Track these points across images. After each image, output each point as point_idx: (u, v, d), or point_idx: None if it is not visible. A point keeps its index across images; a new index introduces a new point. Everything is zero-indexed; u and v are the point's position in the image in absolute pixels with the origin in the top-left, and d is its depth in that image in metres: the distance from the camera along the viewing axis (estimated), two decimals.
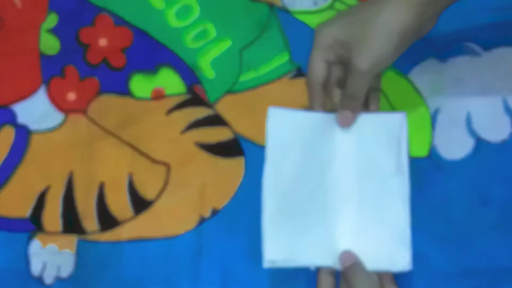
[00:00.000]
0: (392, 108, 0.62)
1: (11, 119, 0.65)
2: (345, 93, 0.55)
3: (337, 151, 0.55)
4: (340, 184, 0.54)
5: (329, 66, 0.55)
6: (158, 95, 0.65)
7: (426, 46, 0.63)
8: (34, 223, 0.62)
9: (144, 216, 0.61)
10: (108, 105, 0.65)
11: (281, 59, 0.65)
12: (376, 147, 0.55)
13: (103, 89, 0.65)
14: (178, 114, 0.64)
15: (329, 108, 0.56)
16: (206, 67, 0.65)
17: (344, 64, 0.56)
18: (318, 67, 0.55)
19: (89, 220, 0.62)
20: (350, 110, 0.55)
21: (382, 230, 0.54)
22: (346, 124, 0.55)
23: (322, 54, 0.54)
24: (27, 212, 0.62)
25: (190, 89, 0.65)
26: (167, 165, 0.63)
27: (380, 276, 0.53)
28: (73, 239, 0.61)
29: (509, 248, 0.58)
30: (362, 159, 0.55)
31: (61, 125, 0.64)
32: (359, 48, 0.52)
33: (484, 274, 0.56)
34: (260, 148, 0.62)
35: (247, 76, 0.65)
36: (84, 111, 0.65)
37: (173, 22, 0.66)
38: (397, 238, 0.55)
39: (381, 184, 0.55)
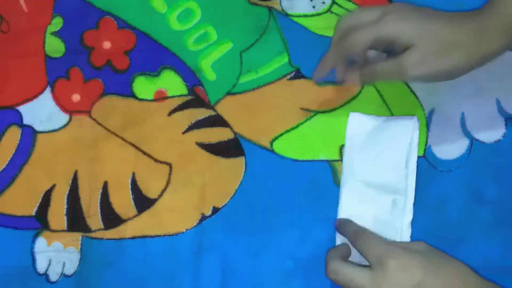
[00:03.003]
0: (388, 108, 0.63)
1: (17, 120, 0.65)
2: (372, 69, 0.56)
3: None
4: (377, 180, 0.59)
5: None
6: (160, 97, 0.65)
7: None
8: (39, 221, 0.63)
9: (147, 214, 0.62)
10: (111, 106, 0.65)
11: (281, 61, 0.65)
12: (396, 147, 0.59)
13: (107, 91, 0.65)
14: (179, 115, 0.64)
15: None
16: (207, 69, 0.65)
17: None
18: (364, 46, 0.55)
19: (93, 218, 0.62)
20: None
21: (387, 226, 0.58)
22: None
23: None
24: (32, 211, 0.63)
25: (191, 90, 0.65)
26: (169, 165, 0.63)
27: None
28: (77, 236, 0.62)
29: (504, 246, 0.59)
30: (384, 158, 0.59)
31: (65, 125, 0.65)
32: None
33: (479, 272, 0.54)
34: (260, 148, 0.63)
35: (247, 78, 0.65)
36: (88, 112, 0.65)
37: (175, 25, 0.67)
38: (398, 235, 0.58)
39: (396, 181, 0.59)
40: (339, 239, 0.59)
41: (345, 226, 0.57)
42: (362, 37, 0.54)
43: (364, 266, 0.53)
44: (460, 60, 0.53)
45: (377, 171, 0.59)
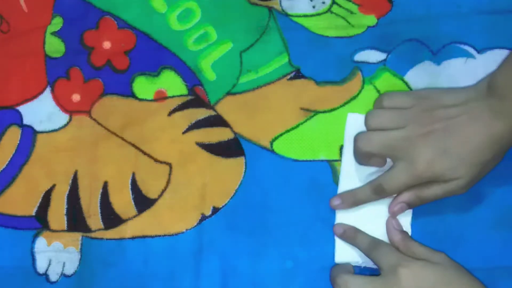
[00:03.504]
0: None
1: (17, 120, 0.65)
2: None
3: None
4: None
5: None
6: (160, 97, 0.65)
7: (422, 48, 0.63)
8: (39, 221, 0.63)
9: (147, 214, 0.62)
10: (111, 106, 0.65)
11: (281, 61, 0.65)
12: None
13: (107, 91, 0.65)
14: (179, 115, 0.64)
15: None
16: (207, 69, 0.65)
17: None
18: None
19: (94, 218, 0.62)
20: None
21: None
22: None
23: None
24: (32, 211, 0.63)
25: (191, 90, 0.65)
26: (169, 165, 0.63)
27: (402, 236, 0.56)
28: (77, 237, 0.62)
29: (504, 246, 0.58)
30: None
31: (65, 125, 0.65)
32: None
33: (479, 273, 0.55)
34: (260, 148, 0.63)
35: (247, 78, 0.65)
36: (88, 112, 0.65)
37: (175, 25, 0.67)
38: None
39: None
40: (339, 245, 0.59)
41: (356, 237, 0.57)
42: (399, 187, 0.56)
43: (372, 275, 0.54)
44: (496, 163, 0.56)
45: (375, 171, 0.59)
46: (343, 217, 0.59)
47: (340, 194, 0.59)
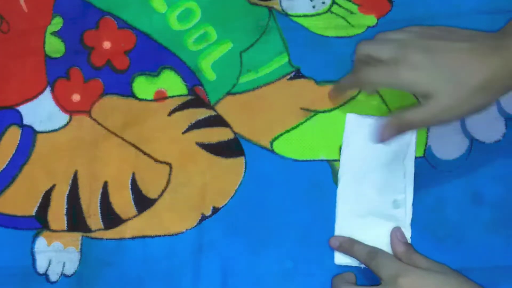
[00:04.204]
0: (388, 108, 0.63)
1: (17, 120, 0.65)
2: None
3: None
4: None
5: None
6: (160, 97, 0.65)
7: None
8: (39, 221, 0.63)
9: (147, 214, 0.62)
10: (111, 106, 0.65)
11: (280, 61, 0.65)
12: (394, 147, 0.60)
13: (107, 91, 0.65)
14: (179, 115, 0.64)
15: None
16: (207, 69, 0.65)
17: None
18: None
19: (93, 218, 0.62)
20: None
21: (388, 226, 0.58)
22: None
23: None
24: (32, 211, 0.63)
25: (191, 90, 0.65)
26: (169, 165, 0.63)
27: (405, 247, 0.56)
28: (77, 236, 0.62)
29: (503, 247, 0.58)
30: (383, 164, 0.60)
31: (65, 125, 0.65)
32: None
33: (478, 273, 0.55)
34: (260, 148, 0.63)
35: (247, 78, 0.65)
36: (88, 112, 0.65)
37: (175, 25, 0.67)
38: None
39: (396, 181, 0.60)
40: (338, 254, 0.59)
41: (353, 248, 0.57)
42: (375, 80, 0.54)
43: (372, 286, 0.54)
44: (485, 100, 0.51)
45: (376, 172, 0.59)
46: (343, 227, 0.59)
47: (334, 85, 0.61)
